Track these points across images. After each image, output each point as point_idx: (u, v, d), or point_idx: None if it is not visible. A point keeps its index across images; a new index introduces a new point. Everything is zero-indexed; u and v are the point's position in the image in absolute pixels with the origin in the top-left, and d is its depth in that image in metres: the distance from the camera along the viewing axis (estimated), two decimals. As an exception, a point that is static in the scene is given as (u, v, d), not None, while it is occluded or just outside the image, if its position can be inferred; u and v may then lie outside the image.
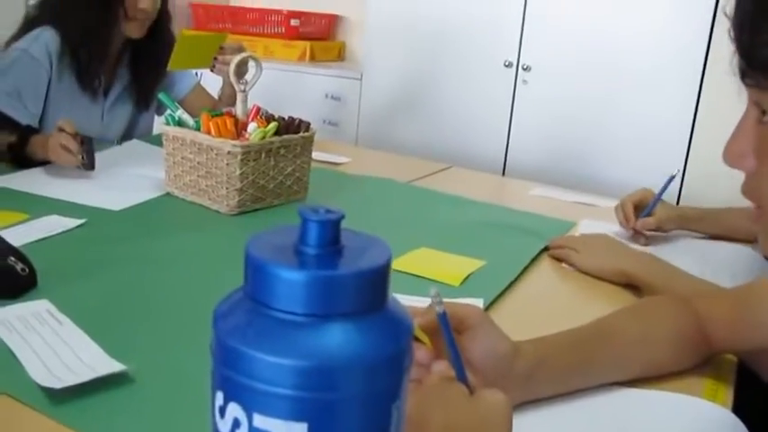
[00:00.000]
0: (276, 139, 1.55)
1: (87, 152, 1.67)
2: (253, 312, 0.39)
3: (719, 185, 2.60)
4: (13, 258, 1.07)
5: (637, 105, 2.86)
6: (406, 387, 0.43)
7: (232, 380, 0.40)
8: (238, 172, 1.48)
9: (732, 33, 0.66)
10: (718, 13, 2.67)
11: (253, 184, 1.52)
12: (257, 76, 1.68)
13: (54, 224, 1.37)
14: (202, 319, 1.02)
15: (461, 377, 0.67)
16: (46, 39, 1.89)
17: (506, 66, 3.09)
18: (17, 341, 0.91)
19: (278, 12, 3.88)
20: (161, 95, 1.73)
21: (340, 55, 4.11)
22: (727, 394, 0.94)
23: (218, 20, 4.03)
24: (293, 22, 3.85)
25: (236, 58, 1.66)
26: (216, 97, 2.22)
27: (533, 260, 1.38)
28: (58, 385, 0.80)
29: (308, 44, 3.83)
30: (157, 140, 1.90)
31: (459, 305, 0.81)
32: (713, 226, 1.60)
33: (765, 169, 0.68)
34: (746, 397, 0.98)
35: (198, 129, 1.56)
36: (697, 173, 2.77)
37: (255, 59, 1.69)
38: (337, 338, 0.38)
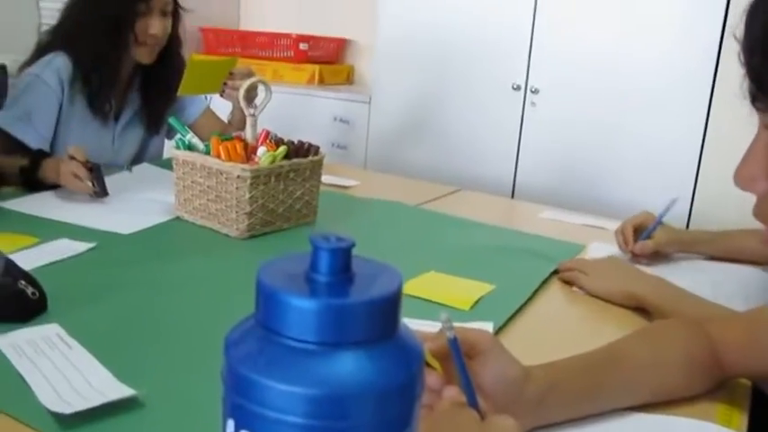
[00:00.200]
0: (285, 162, 1.55)
1: (97, 179, 1.68)
2: (264, 340, 0.39)
3: (729, 207, 2.59)
4: (23, 282, 1.07)
5: (645, 127, 2.86)
6: (417, 414, 0.43)
7: (243, 408, 0.40)
8: (248, 196, 1.49)
9: (742, 57, 0.66)
10: (725, 35, 2.67)
11: (262, 207, 1.53)
12: (267, 101, 1.69)
13: (64, 248, 1.38)
14: (212, 343, 1.02)
15: (472, 402, 0.67)
16: (58, 64, 1.91)
17: (514, 88, 3.09)
18: (27, 366, 0.91)
19: (287, 36, 3.91)
20: (171, 120, 1.74)
21: (349, 78, 4.13)
22: (742, 419, 0.93)
23: (228, 44, 4.06)
24: (302, 46, 3.87)
25: (246, 84, 1.67)
26: (226, 121, 2.23)
27: (543, 283, 1.38)
28: (67, 410, 0.80)
29: (316, 68, 3.84)
30: (168, 164, 1.91)
31: (470, 330, 0.80)
32: (719, 248, 1.60)
33: None
34: (761, 422, 0.97)
35: (208, 153, 1.57)
36: (706, 194, 2.76)
37: (265, 84, 1.70)
38: (349, 367, 0.38)
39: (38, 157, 1.78)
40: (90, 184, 1.67)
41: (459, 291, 1.29)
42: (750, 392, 1.00)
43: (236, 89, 1.84)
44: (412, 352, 0.42)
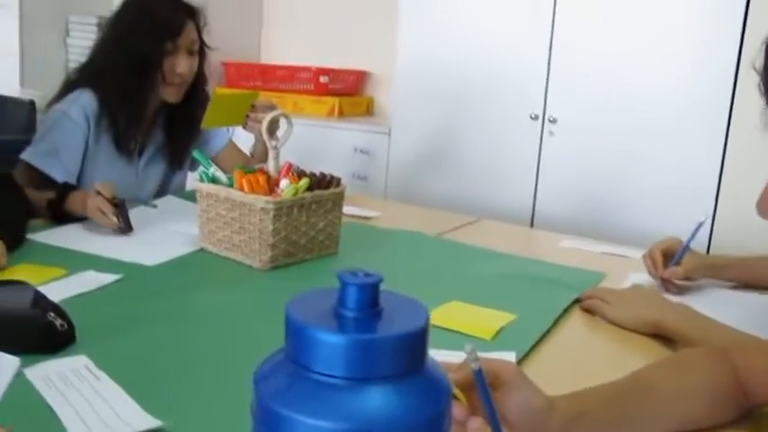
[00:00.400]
0: (308, 195, 1.56)
1: (122, 215, 1.70)
2: (293, 375, 0.39)
3: (750, 233, 2.58)
4: (52, 314, 1.08)
5: (663, 154, 2.85)
6: (444, 448, 0.43)
7: (273, 442, 0.40)
8: (271, 228, 1.50)
9: (762, 88, 0.67)
10: (741, 60, 2.66)
11: (285, 239, 1.53)
12: (288, 134, 1.70)
13: (91, 280, 1.39)
14: (237, 374, 1.02)
15: (497, 434, 0.66)
16: (84, 101, 1.93)
17: (532, 118, 3.10)
18: (56, 397, 0.92)
19: (307, 69, 3.94)
20: (195, 153, 1.76)
21: (368, 110, 4.15)
22: (767, 449, 0.92)
23: (250, 77, 4.10)
24: (322, 79, 3.91)
25: (269, 117, 1.68)
26: (248, 153, 2.25)
27: (564, 312, 1.37)
28: (96, 442, 0.80)
29: (336, 100, 3.87)
30: (191, 196, 1.92)
31: (493, 361, 0.80)
32: (744, 274, 1.58)
33: None
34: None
35: (231, 185, 1.58)
36: (726, 221, 2.74)
37: (287, 117, 1.71)
38: (377, 401, 0.38)
39: (64, 190, 1.80)
40: (115, 219, 1.69)
41: (481, 320, 1.28)
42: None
43: (258, 122, 1.85)
44: (439, 387, 0.42)
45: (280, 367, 0.41)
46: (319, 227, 1.60)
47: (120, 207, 1.70)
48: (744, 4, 2.64)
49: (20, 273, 1.37)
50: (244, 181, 1.55)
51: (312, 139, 3.58)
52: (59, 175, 1.88)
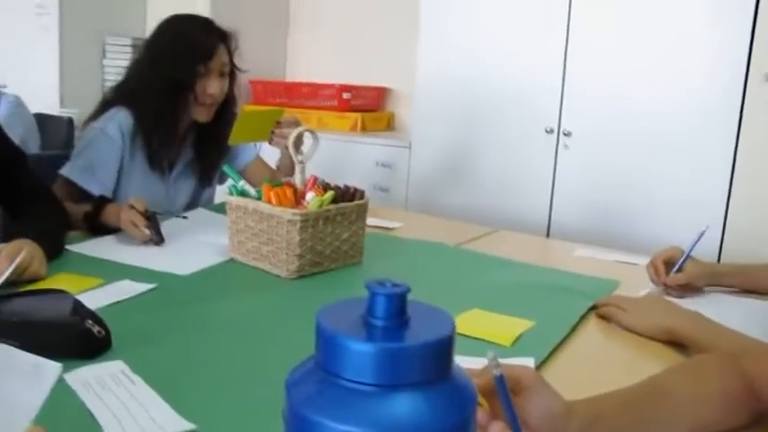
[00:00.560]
0: (333, 207, 1.56)
1: (154, 228, 1.71)
2: (324, 382, 0.39)
3: (759, 241, 2.55)
4: (90, 321, 1.09)
5: (675, 165, 2.83)
6: (469, 453, 0.43)
7: (305, 446, 0.40)
8: (298, 238, 1.50)
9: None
10: (750, 72, 2.64)
11: (311, 249, 1.53)
12: (314, 149, 1.70)
13: (127, 288, 1.39)
14: (267, 378, 1.02)
15: (519, 438, 0.66)
16: (120, 119, 1.94)
17: (548, 132, 3.09)
18: (95, 401, 0.92)
19: (330, 86, 3.95)
20: (225, 168, 1.77)
21: (389, 125, 4.15)
22: (780, 454, 0.90)
23: (275, 94, 4.12)
24: (345, 96, 3.92)
25: (295, 132, 1.69)
26: (274, 167, 2.25)
27: (581, 319, 1.36)
28: (133, 444, 0.80)
29: (359, 115, 3.88)
30: (220, 208, 1.93)
31: (514, 366, 0.79)
32: (745, 281, 1.57)
33: None
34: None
35: (259, 198, 1.59)
36: (736, 229, 2.71)
37: (312, 133, 1.72)
38: (405, 408, 0.38)
39: (100, 203, 1.82)
40: (147, 231, 1.70)
41: (501, 327, 1.28)
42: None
43: (284, 137, 1.86)
44: (466, 394, 0.41)
45: (310, 374, 0.41)
46: (344, 237, 1.60)
47: (151, 220, 1.71)
48: (752, 17, 2.62)
49: (60, 282, 1.38)
50: (271, 194, 1.56)
51: (335, 153, 3.59)
52: (96, 190, 1.89)
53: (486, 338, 1.21)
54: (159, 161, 2.02)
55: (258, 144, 2.30)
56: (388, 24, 4.06)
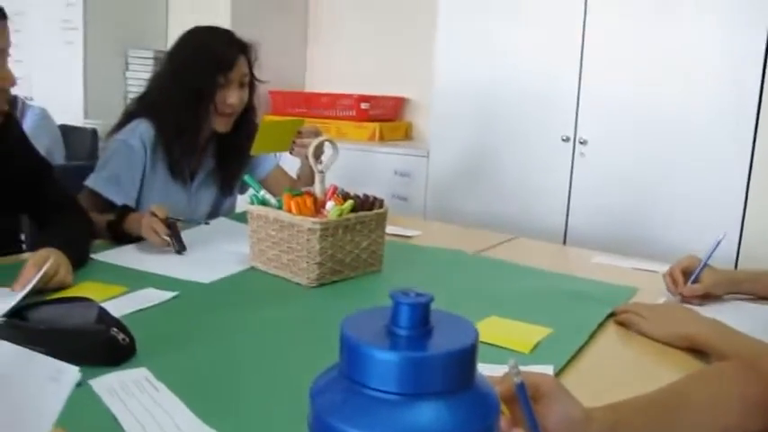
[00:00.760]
0: (352, 215, 1.56)
1: (175, 236, 1.71)
2: (348, 390, 0.39)
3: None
4: (115, 329, 1.09)
5: (692, 171, 2.81)
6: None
7: (329, 454, 0.40)
8: (318, 247, 1.50)
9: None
10: (766, 79, 2.62)
11: (331, 258, 1.53)
12: (334, 158, 1.70)
13: (150, 296, 1.40)
14: (289, 385, 1.02)
15: (539, 445, 0.65)
16: (142, 131, 1.96)
17: (564, 140, 3.08)
18: (120, 407, 0.93)
19: (349, 96, 3.96)
20: (246, 178, 1.77)
21: (407, 134, 4.15)
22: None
23: (295, 105, 4.13)
24: (363, 106, 3.92)
25: (315, 142, 1.69)
26: (295, 177, 2.26)
27: (599, 326, 1.35)
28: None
29: (377, 125, 3.88)
30: (241, 217, 1.93)
31: (533, 374, 0.79)
32: (763, 288, 1.55)
33: None
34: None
35: (280, 207, 1.59)
36: (754, 234, 2.69)
37: (332, 143, 1.72)
38: (429, 417, 0.37)
39: (123, 211, 1.83)
40: (167, 239, 1.70)
41: (519, 334, 1.27)
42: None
43: (305, 147, 1.86)
44: (489, 402, 0.41)
45: (335, 383, 0.41)
46: (363, 246, 1.60)
47: (172, 228, 1.72)
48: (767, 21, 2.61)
49: (85, 290, 1.39)
50: (292, 203, 1.56)
51: (354, 163, 3.59)
52: (119, 200, 1.91)
53: (504, 346, 1.20)
54: (181, 171, 2.03)
55: (278, 154, 2.30)
56: (406, 35, 4.07)
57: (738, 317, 1.34)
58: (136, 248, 1.76)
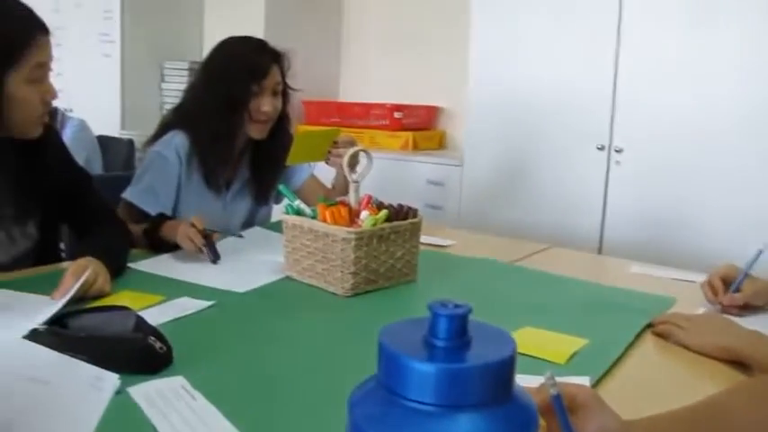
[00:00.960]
0: (387, 225, 1.56)
1: (210, 246, 1.73)
2: (386, 401, 0.39)
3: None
4: (152, 338, 1.10)
5: (731, 180, 2.77)
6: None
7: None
8: (353, 256, 1.50)
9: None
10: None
11: (366, 267, 1.54)
12: (369, 169, 1.71)
13: (186, 305, 1.41)
14: (324, 393, 1.03)
15: (577, 458, 0.65)
16: (177, 142, 1.99)
17: (599, 149, 3.06)
18: (156, 415, 0.93)
19: (382, 105, 3.97)
20: (281, 187, 1.78)
21: (441, 143, 4.15)
22: None
23: (328, 114, 4.15)
24: (396, 115, 3.93)
25: (349, 152, 1.70)
26: (330, 186, 2.27)
27: (636, 337, 1.33)
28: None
29: (410, 134, 3.89)
30: (276, 227, 1.95)
31: (570, 385, 0.78)
32: None
33: None
34: None
35: (315, 217, 1.60)
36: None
37: (366, 153, 1.73)
38: (467, 428, 0.37)
39: (159, 219, 1.86)
40: (202, 249, 1.72)
41: (555, 345, 1.26)
42: None
43: (340, 156, 1.87)
44: (527, 414, 0.41)
45: (373, 393, 0.41)
46: (398, 255, 1.60)
47: (207, 238, 1.74)
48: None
49: (123, 299, 1.41)
50: (327, 213, 1.57)
51: (388, 172, 3.60)
52: (155, 211, 1.93)
53: (540, 356, 1.19)
54: (216, 181, 2.05)
55: (312, 164, 2.32)
56: (439, 43, 4.08)
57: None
58: (172, 258, 1.77)
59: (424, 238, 1.74)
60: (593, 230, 3.10)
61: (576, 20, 3.08)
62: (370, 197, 1.65)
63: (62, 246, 1.86)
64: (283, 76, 2.06)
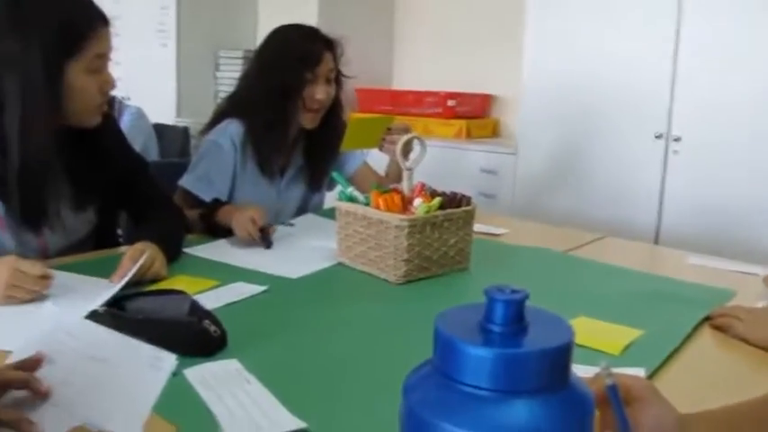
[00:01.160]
0: (440, 213, 1.56)
1: (265, 237, 1.76)
2: (441, 386, 0.39)
3: None
4: (207, 321, 1.12)
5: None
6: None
7: (421, 449, 0.40)
8: (405, 244, 1.50)
9: None
10: None
11: (419, 255, 1.54)
12: (422, 156, 1.71)
13: (241, 290, 1.43)
14: (376, 379, 1.03)
15: (632, 449, 0.64)
16: (232, 131, 2.01)
17: (657, 137, 3.00)
18: (212, 397, 0.95)
19: (435, 93, 3.96)
20: (334, 174, 1.79)
21: (494, 131, 4.12)
22: None
23: (381, 102, 4.15)
24: (450, 103, 3.91)
25: (403, 139, 1.70)
26: (383, 174, 2.27)
27: (694, 330, 1.31)
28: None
29: (464, 122, 3.86)
30: (328, 214, 1.96)
31: (626, 376, 0.77)
32: None
33: None
34: None
35: (368, 204, 1.60)
36: None
37: (420, 140, 1.72)
38: (523, 414, 0.37)
39: (214, 204, 1.89)
40: (258, 239, 1.75)
41: (609, 336, 1.24)
42: None
43: (394, 143, 1.87)
44: (584, 402, 0.41)
45: (428, 378, 0.41)
46: (451, 243, 1.60)
47: (263, 230, 1.76)
48: None
49: (178, 283, 1.43)
50: (380, 200, 1.57)
51: (441, 160, 3.58)
52: (207, 196, 1.96)
53: (594, 347, 1.18)
54: (270, 168, 2.07)
55: (365, 150, 2.32)
56: (493, 31, 4.04)
57: None
58: (227, 243, 1.80)
59: (476, 227, 1.73)
60: (649, 220, 3.05)
61: (634, 8, 3.02)
62: (423, 185, 1.65)
63: (119, 231, 1.90)
64: (336, 64, 2.06)
